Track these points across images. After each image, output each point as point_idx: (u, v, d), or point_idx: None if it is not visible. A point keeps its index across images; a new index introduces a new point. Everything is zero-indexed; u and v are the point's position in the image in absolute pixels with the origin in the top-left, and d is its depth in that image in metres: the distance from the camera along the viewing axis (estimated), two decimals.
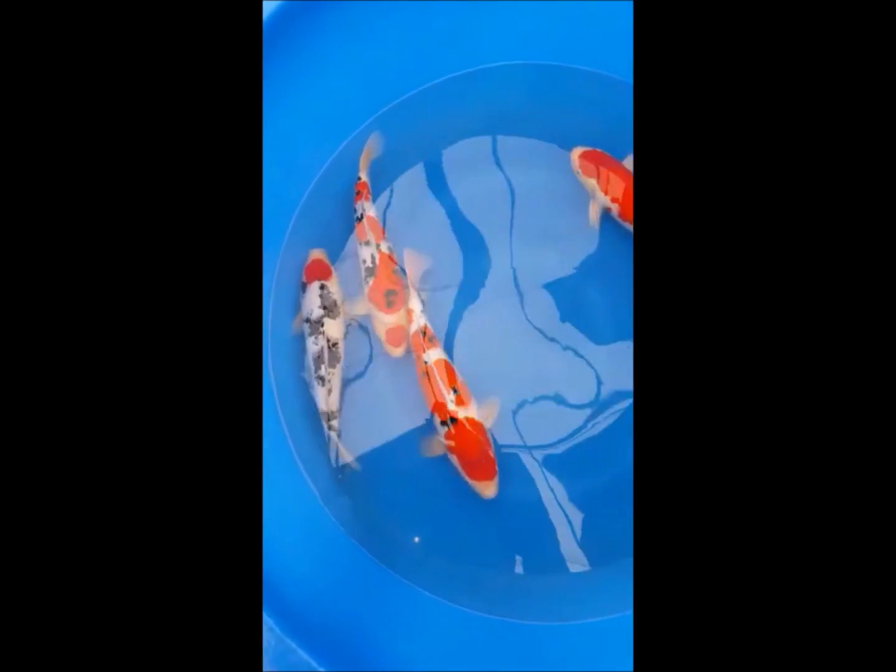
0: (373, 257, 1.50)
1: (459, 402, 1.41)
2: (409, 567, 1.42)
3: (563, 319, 1.53)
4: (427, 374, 1.43)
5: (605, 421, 1.49)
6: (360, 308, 1.51)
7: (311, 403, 1.48)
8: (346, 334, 1.51)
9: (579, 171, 1.54)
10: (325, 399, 1.46)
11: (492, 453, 1.42)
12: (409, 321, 1.49)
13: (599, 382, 1.50)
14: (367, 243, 1.51)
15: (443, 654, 1.30)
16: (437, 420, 1.42)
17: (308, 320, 1.48)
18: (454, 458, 1.42)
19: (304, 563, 1.35)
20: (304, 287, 1.51)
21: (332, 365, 1.46)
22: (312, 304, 1.48)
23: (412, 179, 1.61)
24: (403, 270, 1.51)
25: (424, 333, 1.47)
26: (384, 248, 1.51)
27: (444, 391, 1.41)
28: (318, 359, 1.46)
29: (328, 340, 1.46)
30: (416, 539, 1.45)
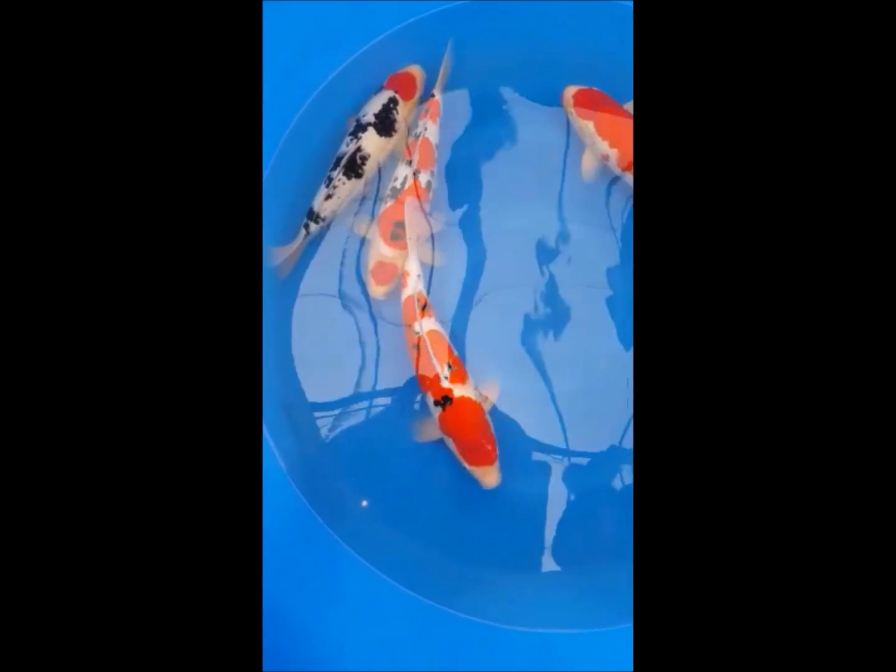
0: (405, 180, 1.32)
1: (455, 379, 1.25)
2: (398, 566, 1.29)
3: (565, 286, 1.35)
4: (418, 345, 1.26)
5: (609, 406, 1.32)
6: (362, 228, 1.35)
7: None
8: (382, 160, 1.36)
9: (573, 112, 1.36)
10: (321, 201, 1.32)
11: (492, 436, 1.25)
12: (404, 285, 1.30)
13: (605, 355, 1.33)
14: (409, 164, 1.33)
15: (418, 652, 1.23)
16: (431, 400, 1.25)
17: (357, 120, 1.35)
18: (450, 442, 1.25)
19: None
20: (379, 88, 1.37)
21: (346, 174, 1.32)
22: (371, 108, 1.35)
23: None
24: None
25: (419, 301, 1.28)
26: (422, 178, 1.33)
27: (438, 366, 1.24)
28: (338, 160, 1.33)
29: (359, 149, 1.32)
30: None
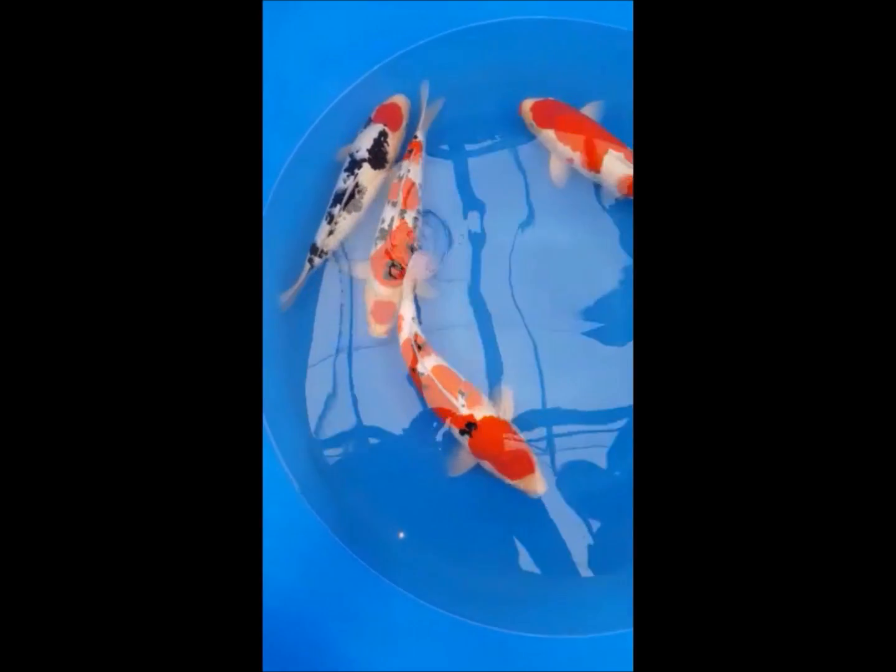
0: (392, 221, 1.38)
1: (472, 403, 1.30)
2: (396, 567, 1.33)
3: (561, 291, 1.40)
4: (428, 386, 1.34)
5: (609, 410, 1.35)
6: (360, 271, 1.40)
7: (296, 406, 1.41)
8: (377, 191, 1.41)
9: (533, 123, 1.42)
10: (324, 237, 1.38)
11: (525, 445, 1.29)
12: (399, 330, 1.35)
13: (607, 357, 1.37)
14: (394, 204, 1.38)
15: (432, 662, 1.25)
16: (456, 430, 1.30)
17: (351, 156, 1.41)
18: (487, 465, 1.29)
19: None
20: (368, 122, 1.43)
21: (347, 209, 1.38)
22: (363, 143, 1.41)
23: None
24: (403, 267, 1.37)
25: (416, 342, 1.33)
26: (409, 217, 1.38)
27: (452, 399, 1.31)
28: (338, 197, 1.39)
29: (356, 185, 1.39)
30: (401, 534, 1.35)
